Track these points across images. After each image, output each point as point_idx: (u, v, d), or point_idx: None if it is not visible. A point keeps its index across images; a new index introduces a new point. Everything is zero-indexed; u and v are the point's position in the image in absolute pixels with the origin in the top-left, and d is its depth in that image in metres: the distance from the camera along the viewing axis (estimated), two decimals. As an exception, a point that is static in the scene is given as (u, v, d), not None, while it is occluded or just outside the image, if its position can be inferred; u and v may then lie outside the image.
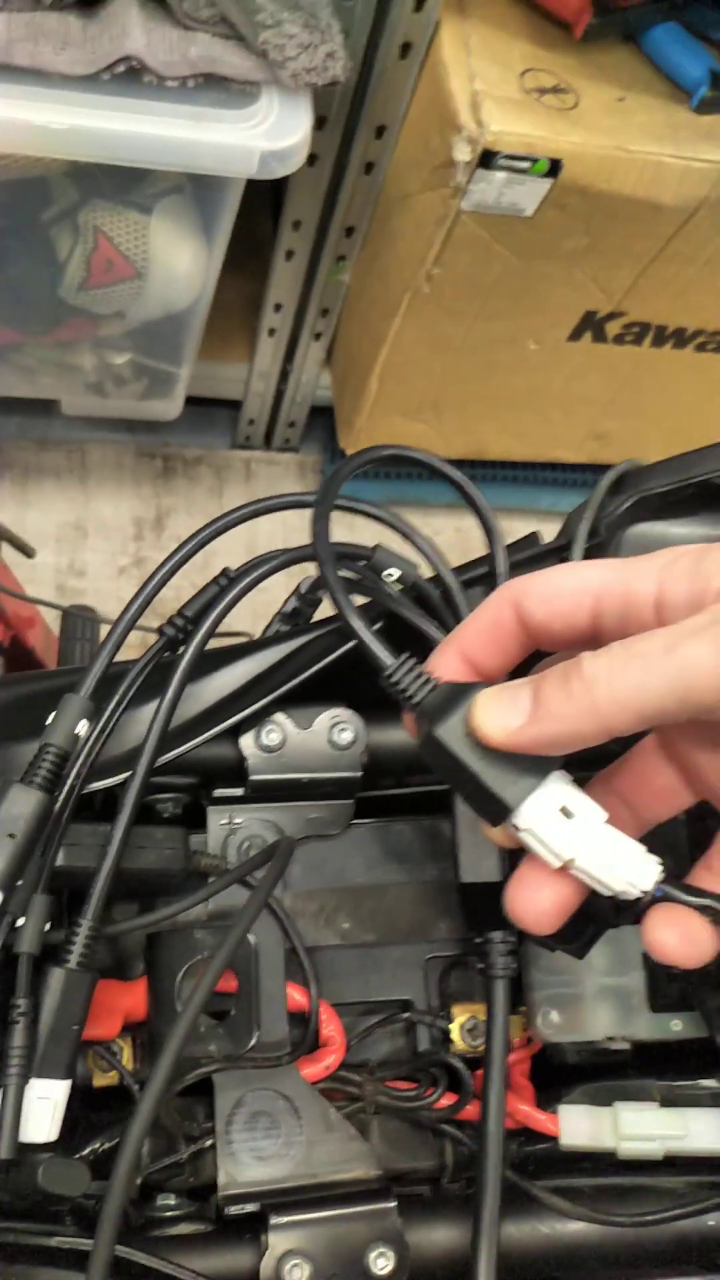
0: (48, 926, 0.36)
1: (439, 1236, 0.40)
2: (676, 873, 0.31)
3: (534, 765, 0.31)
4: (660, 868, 0.30)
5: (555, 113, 0.92)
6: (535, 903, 0.31)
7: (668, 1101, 0.41)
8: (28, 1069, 0.35)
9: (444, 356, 1.18)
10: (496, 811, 0.31)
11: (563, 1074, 0.45)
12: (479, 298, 1.08)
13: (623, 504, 0.47)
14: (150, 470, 1.49)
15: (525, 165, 0.91)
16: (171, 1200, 0.41)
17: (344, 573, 0.44)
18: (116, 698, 0.39)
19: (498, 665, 0.34)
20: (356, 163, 1.04)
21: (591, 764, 0.37)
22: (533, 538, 0.48)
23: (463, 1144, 0.42)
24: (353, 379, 1.26)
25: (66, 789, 0.37)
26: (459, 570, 0.44)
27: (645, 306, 1.12)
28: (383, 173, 1.05)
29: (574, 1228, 0.41)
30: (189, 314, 1.14)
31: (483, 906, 0.40)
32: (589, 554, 0.47)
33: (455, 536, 1.51)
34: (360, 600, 0.45)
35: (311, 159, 1.04)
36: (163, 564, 0.42)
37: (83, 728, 0.38)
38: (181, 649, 0.40)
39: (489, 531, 0.44)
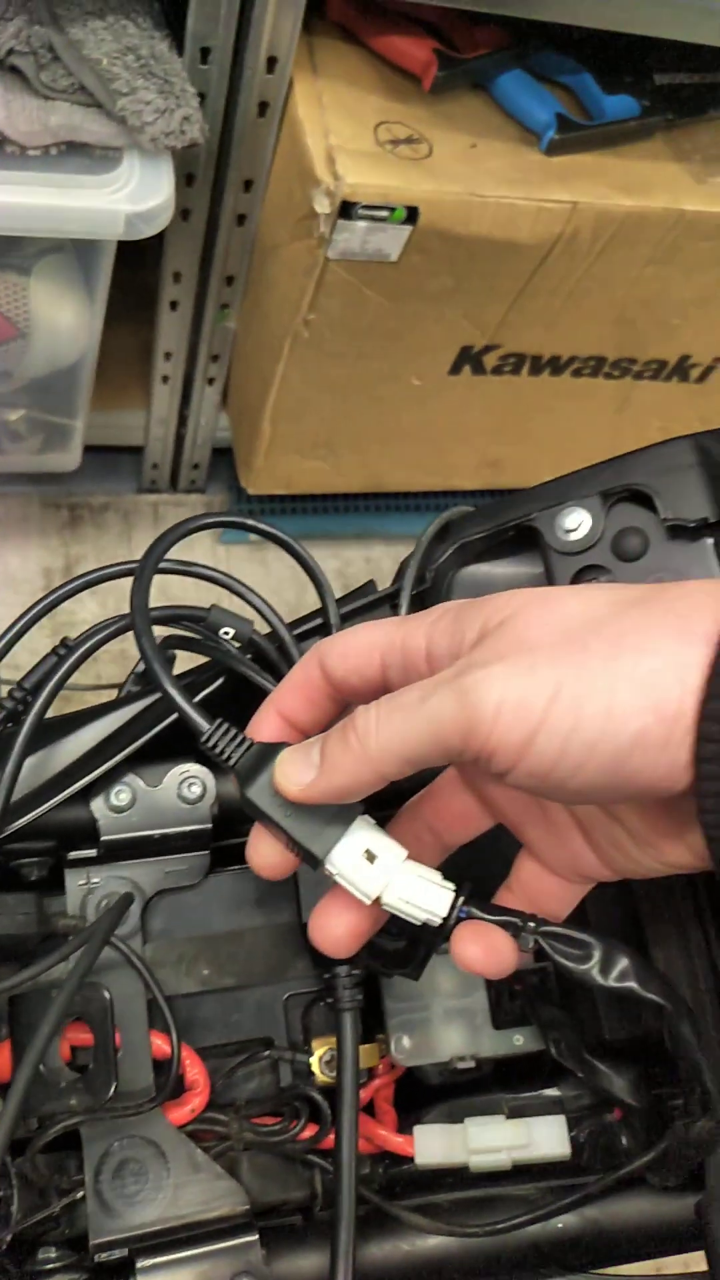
0: None
1: (306, 1264, 0.42)
2: (477, 892, 0.34)
3: (338, 814, 0.34)
4: (453, 894, 0.33)
5: (409, 163, 0.95)
6: (331, 929, 0.35)
7: (515, 1113, 0.44)
8: None
9: (332, 396, 1.21)
10: (311, 860, 0.34)
11: (428, 1095, 0.47)
12: (357, 339, 1.11)
13: (447, 550, 0.50)
14: (56, 520, 1.50)
15: (384, 214, 0.94)
16: (52, 1253, 0.42)
17: (183, 633, 0.46)
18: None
19: (313, 720, 0.37)
20: (229, 215, 1.07)
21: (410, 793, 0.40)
22: (369, 586, 0.51)
23: (329, 1172, 0.44)
24: (247, 421, 1.28)
25: None
26: (294, 624, 0.47)
27: (518, 338, 1.16)
28: (255, 224, 1.08)
29: (434, 1242, 0.43)
30: (77, 368, 1.16)
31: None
32: (416, 599, 0.50)
33: (365, 566, 1.54)
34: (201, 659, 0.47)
35: (185, 213, 1.07)
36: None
37: None
38: (20, 720, 0.42)
39: (318, 586, 0.46)
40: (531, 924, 0.33)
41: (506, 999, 0.44)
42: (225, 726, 0.36)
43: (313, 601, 0.48)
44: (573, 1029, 0.42)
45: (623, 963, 0.33)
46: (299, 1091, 0.44)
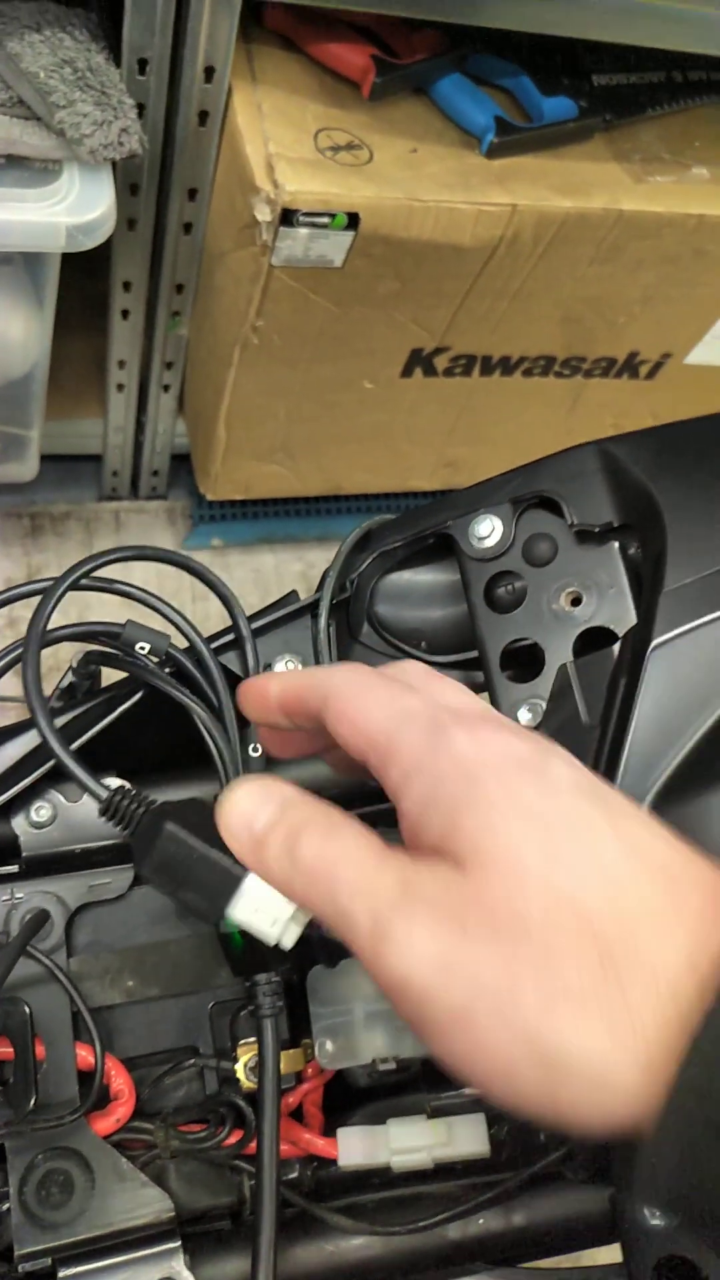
0: None
1: (231, 1268, 0.43)
2: None
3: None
4: None
5: (349, 169, 0.96)
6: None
7: (437, 1113, 0.45)
8: None
9: (285, 401, 1.21)
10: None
11: (357, 1098, 0.48)
12: (307, 345, 1.12)
13: (367, 559, 0.51)
14: (18, 530, 1.50)
15: (325, 221, 0.95)
16: (-20, 1266, 0.43)
17: (99, 649, 0.47)
18: None
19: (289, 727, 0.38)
20: (175, 224, 1.08)
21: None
22: (291, 596, 0.52)
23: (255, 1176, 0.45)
24: (203, 428, 1.29)
25: None
26: (211, 639, 0.47)
27: (467, 340, 1.17)
28: (201, 232, 1.09)
29: (358, 1242, 0.44)
30: (29, 379, 1.16)
31: (244, 953, 0.43)
32: (338, 607, 0.50)
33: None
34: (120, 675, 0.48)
35: (131, 223, 1.08)
36: None
37: None
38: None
39: (225, 602, 0.47)
40: None
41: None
42: (121, 798, 0.37)
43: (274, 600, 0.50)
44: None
45: None
46: (224, 1098, 0.45)
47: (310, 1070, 0.47)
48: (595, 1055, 0.26)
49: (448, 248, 1.01)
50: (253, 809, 0.34)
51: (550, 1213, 0.43)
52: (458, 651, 0.53)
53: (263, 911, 0.35)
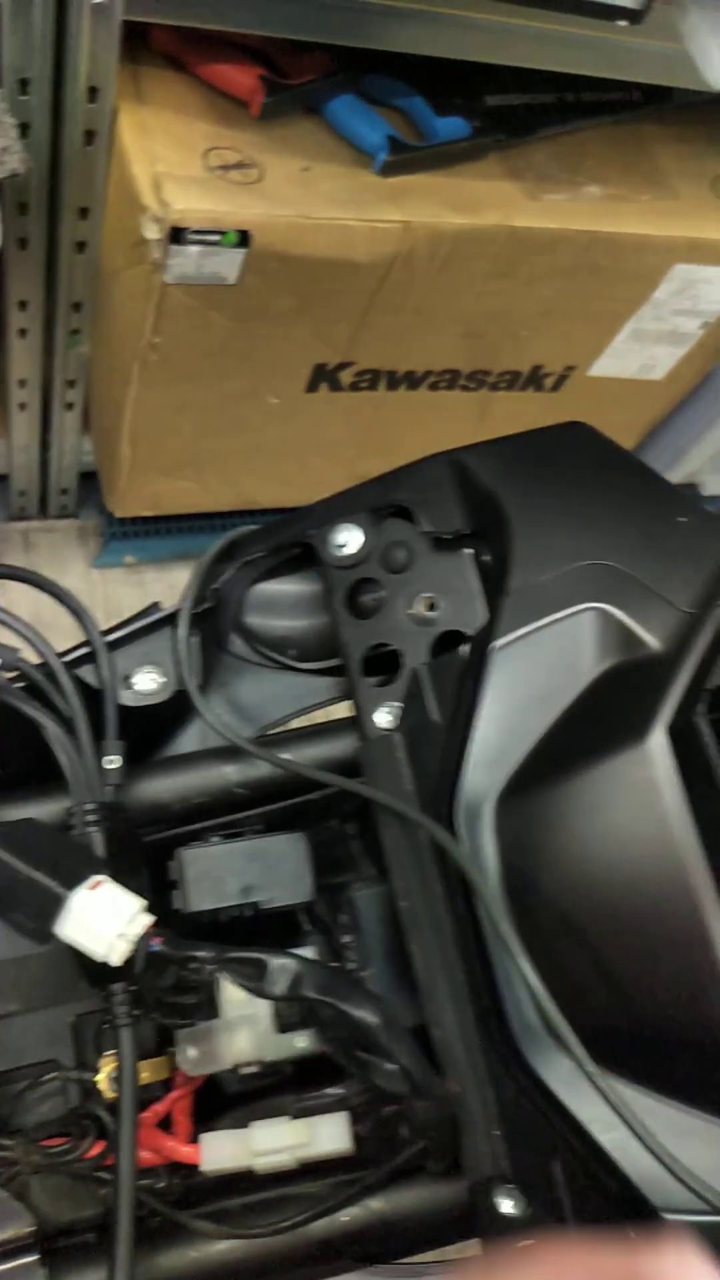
0: None
1: (94, 1279, 0.43)
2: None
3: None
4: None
5: (239, 187, 0.97)
6: None
7: (301, 1114, 0.45)
8: None
9: (190, 417, 1.22)
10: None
11: (229, 1104, 0.48)
12: (208, 361, 1.12)
13: (231, 569, 0.51)
14: None
15: (215, 239, 0.96)
16: None
17: (-45, 666, 0.46)
18: None
19: None
20: (68, 243, 1.08)
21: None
22: (152, 608, 0.52)
23: (121, 1187, 0.45)
24: (107, 445, 1.28)
25: None
26: (64, 653, 0.47)
27: (370, 355, 1.18)
28: (96, 250, 1.09)
29: (223, 1246, 0.44)
30: None
31: (93, 963, 0.43)
32: (202, 618, 0.51)
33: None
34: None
35: (22, 242, 1.07)
36: None
37: None
38: None
39: (76, 615, 0.47)
40: (205, 954, 0.36)
41: (286, 1005, 0.46)
42: None
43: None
44: (344, 1026, 0.43)
45: (292, 971, 0.36)
46: (84, 1109, 0.45)
47: (179, 1079, 0.47)
48: None
49: (343, 264, 1.03)
50: None
51: (412, 1207, 0.44)
52: (326, 659, 0.53)
53: (90, 929, 0.37)
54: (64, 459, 1.38)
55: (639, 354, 1.32)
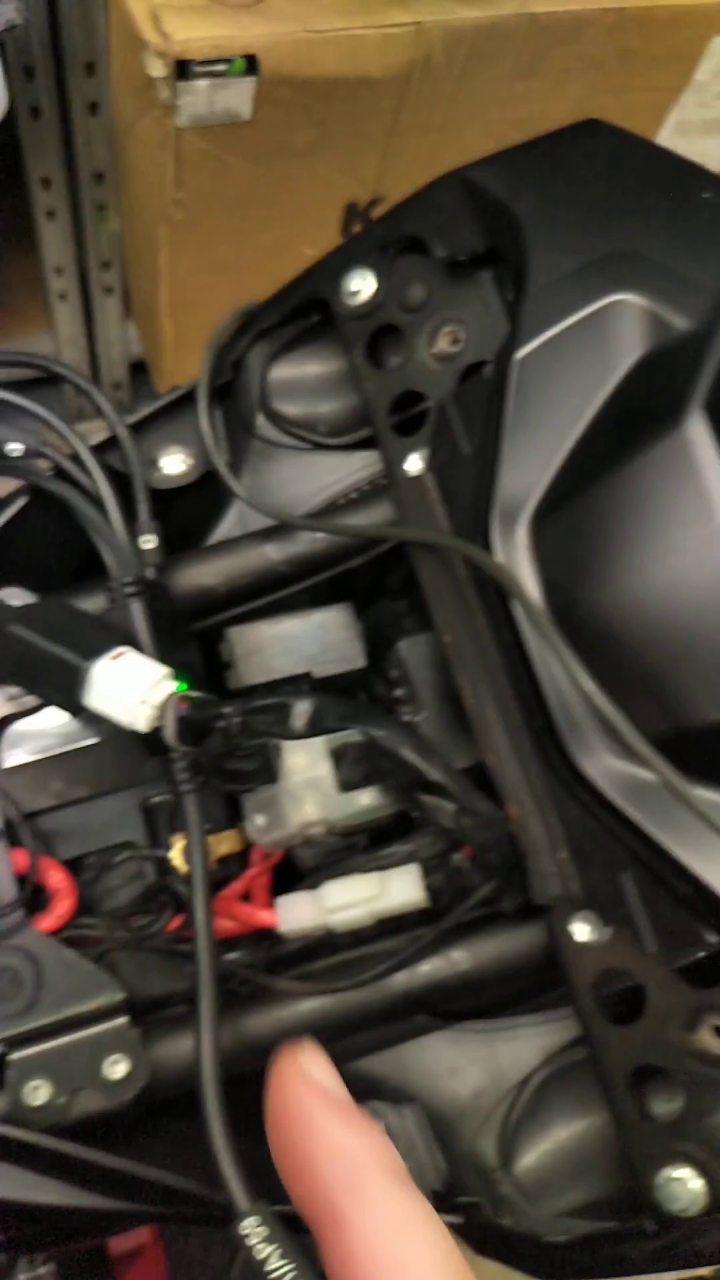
0: None
1: (183, 1045, 0.43)
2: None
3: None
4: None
5: (239, 10, 0.92)
6: None
7: (371, 870, 0.44)
8: None
9: (226, 278, 1.18)
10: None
11: (305, 878, 0.48)
12: (235, 213, 1.09)
13: (245, 344, 0.49)
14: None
15: (222, 68, 0.91)
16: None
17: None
18: None
19: None
20: (80, 105, 1.05)
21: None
22: (173, 390, 0.50)
23: (206, 957, 0.45)
24: (149, 323, 1.26)
25: None
26: (95, 447, 0.46)
27: (401, 185, 1.13)
28: (107, 110, 1.05)
29: (308, 1005, 0.44)
30: (-35, 295, 1.15)
31: (149, 737, 0.43)
32: (218, 391, 0.49)
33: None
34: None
35: (35, 111, 1.05)
36: None
37: None
38: None
39: (91, 399, 0.46)
40: (230, 709, 0.36)
41: (348, 764, 0.45)
42: None
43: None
44: (403, 771, 0.42)
45: (311, 706, 0.35)
46: (160, 884, 0.45)
47: (254, 856, 0.47)
48: None
49: (358, 82, 0.97)
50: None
51: (494, 956, 0.43)
52: (354, 432, 0.51)
53: (114, 699, 0.36)
54: (111, 350, 1.37)
55: (686, 151, 1.23)
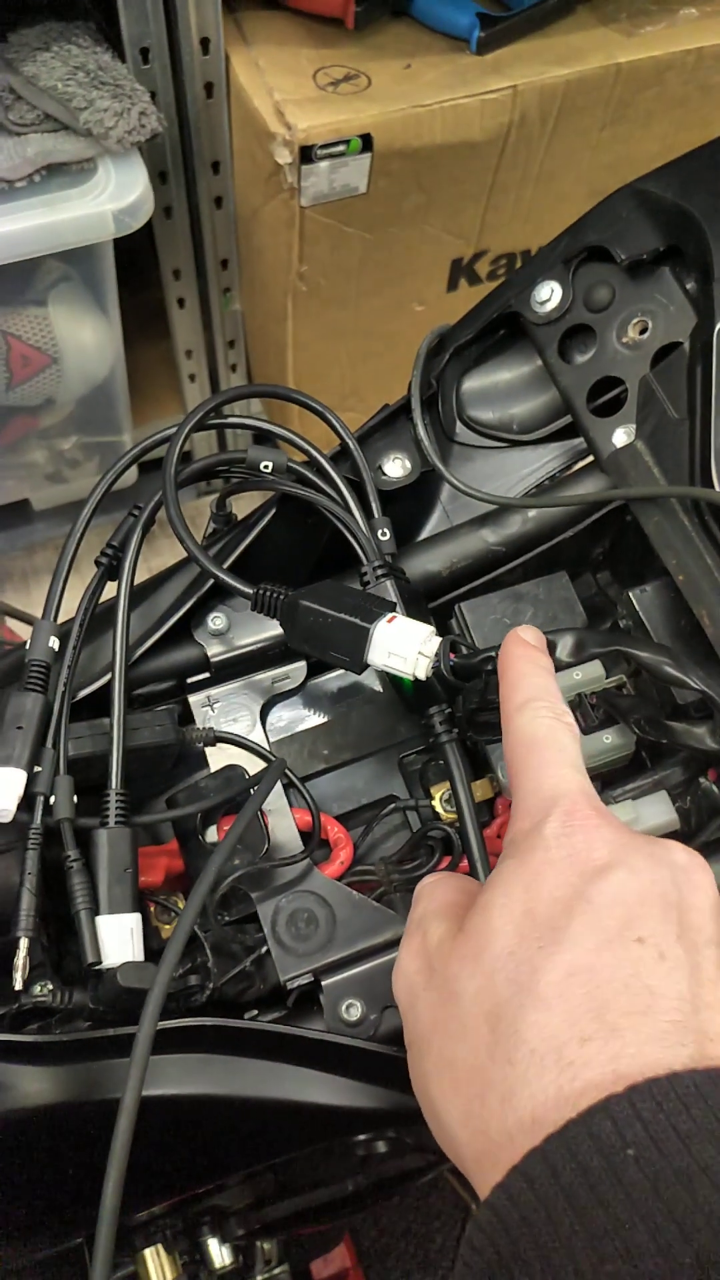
0: (75, 799, 0.45)
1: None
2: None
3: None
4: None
5: (351, 96, 1.02)
6: None
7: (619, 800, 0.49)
8: (93, 901, 0.43)
9: (345, 343, 1.28)
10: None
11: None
12: (352, 280, 1.18)
13: (444, 359, 0.56)
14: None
15: (341, 149, 1.01)
16: (254, 1013, 0.49)
17: (235, 476, 0.53)
18: (80, 615, 0.48)
19: None
20: (206, 200, 1.16)
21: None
22: (383, 409, 0.57)
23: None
24: (273, 409, 1.36)
25: (60, 692, 0.46)
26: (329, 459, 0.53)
27: (501, 238, 1.21)
28: (231, 201, 1.16)
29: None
30: (111, 382, 1.25)
31: (410, 697, 0.48)
32: (427, 404, 0.56)
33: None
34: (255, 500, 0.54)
35: (167, 211, 1.16)
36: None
37: (54, 643, 0.47)
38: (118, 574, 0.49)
39: (326, 420, 0.53)
40: (496, 651, 0.41)
41: (589, 708, 0.49)
42: (267, 588, 0.46)
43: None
44: (648, 705, 0.47)
45: (574, 639, 0.42)
46: (428, 830, 0.50)
47: (501, 805, 0.52)
48: (452, 1125, 0.32)
49: (461, 146, 1.06)
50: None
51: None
52: (544, 427, 0.57)
53: (395, 654, 0.42)
54: (238, 442, 1.47)
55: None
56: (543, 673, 0.39)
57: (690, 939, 0.31)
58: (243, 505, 0.59)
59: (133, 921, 0.44)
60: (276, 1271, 0.85)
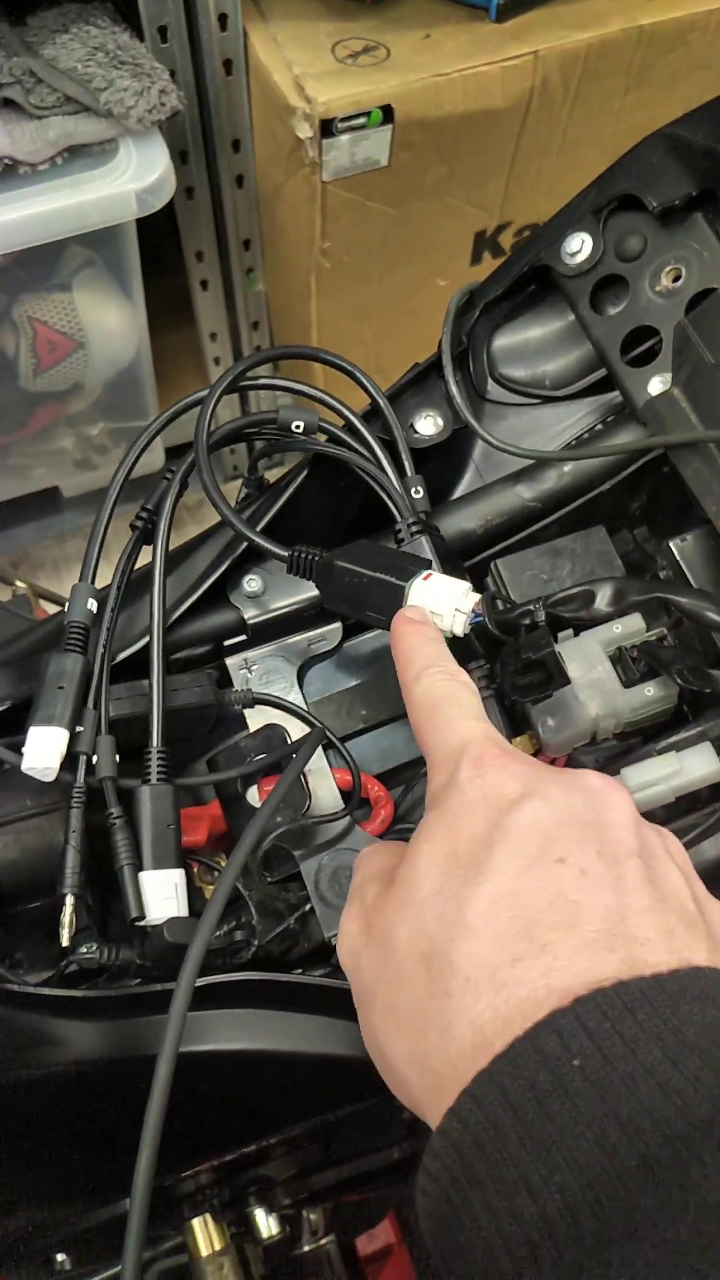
0: (117, 759, 0.45)
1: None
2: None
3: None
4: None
5: (371, 68, 1.01)
6: None
7: (663, 752, 0.48)
8: (136, 857, 0.44)
9: (368, 321, 1.27)
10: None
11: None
12: (374, 255, 1.17)
13: (475, 314, 0.56)
14: (159, 526, 1.61)
15: (361, 121, 1.00)
16: (299, 970, 0.49)
17: (263, 438, 0.53)
18: (116, 579, 0.48)
19: None
20: (228, 180, 1.15)
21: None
22: (414, 367, 0.57)
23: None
24: (299, 373, 1.36)
25: (100, 654, 0.47)
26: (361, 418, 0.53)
27: (525, 209, 1.20)
28: (252, 180, 1.16)
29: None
30: (136, 366, 1.26)
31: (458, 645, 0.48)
32: (458, 359, 0.55)
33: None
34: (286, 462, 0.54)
35: (189, 191, 1.16)
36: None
37: (93, 605, 0.47)
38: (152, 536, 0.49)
39: (356, 379, 0.53)
40: (538, 604, 0.40)
41: (628, 662, 0.49)
42: (301, 550, 0.46)
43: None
44: (690, 654, 0.46)
45: (613, 589, 0.40)
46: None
47: (544, 759, 0.52)
48: (400, 1067, 0.32)
49: (482, 115, 1.05)
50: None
51: None
52: (577, 382, 0.57)
53: (432, 611, 0.42)
54: (261, 405, 1.47)
55: None
56: (431, 642, 0.41)
57: (610, 853, 0.32)
58: (273, 475, 0.59)
59: (176, 877, 0.44)
60: (323, 1242, 0.85)
